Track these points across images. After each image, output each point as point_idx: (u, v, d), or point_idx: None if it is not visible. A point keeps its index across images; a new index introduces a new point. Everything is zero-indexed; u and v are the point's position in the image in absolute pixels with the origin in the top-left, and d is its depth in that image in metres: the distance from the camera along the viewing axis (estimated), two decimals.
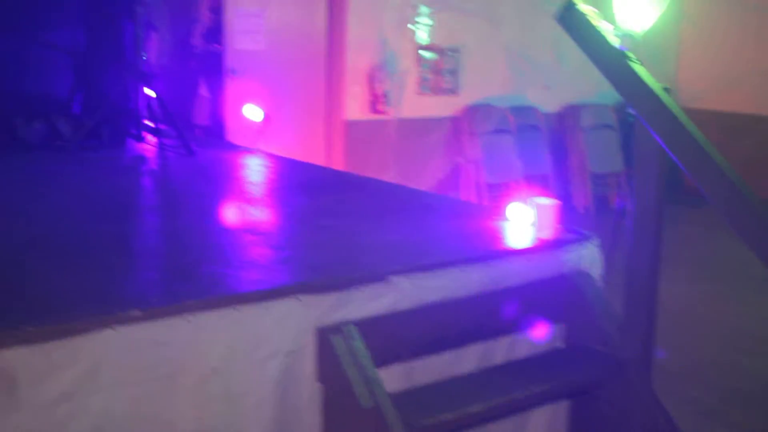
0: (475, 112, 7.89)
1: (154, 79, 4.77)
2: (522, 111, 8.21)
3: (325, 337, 2.33)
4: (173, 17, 6.39)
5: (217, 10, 6.70)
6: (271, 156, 4.91)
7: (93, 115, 4.82)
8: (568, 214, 3.06)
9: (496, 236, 2.99)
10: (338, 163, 7.39)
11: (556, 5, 2.58)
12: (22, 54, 4.94)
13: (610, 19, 2.56)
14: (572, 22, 2.52)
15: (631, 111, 2.45)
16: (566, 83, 8.40)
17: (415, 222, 3.23)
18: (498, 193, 7.67)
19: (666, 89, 2.38)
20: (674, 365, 3.85)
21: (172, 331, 2.12)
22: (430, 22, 7.70)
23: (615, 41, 2.44)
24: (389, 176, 7.04)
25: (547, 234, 2.93)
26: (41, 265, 2.50)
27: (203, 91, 6.87)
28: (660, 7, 2.45)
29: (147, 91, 4.74)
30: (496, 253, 2.80)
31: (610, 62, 2.43)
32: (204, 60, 6.72)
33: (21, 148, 4.77)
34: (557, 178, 8.47)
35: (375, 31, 7.42)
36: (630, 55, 2.39)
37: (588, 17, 2.44)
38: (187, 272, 2.45)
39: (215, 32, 6.72)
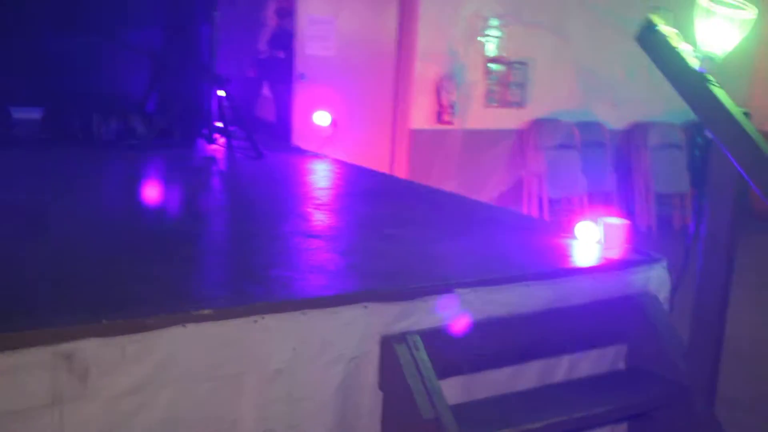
0: (540, 125, 7.84)
1: (227, 82, 4.84)
2: (588, 127, 8.14)
3: (389, 345, 2.34)
4: (240, 22, 6.47)
5: (284, 15, 6.77)
6: (337, 161, 4.95)
7: (166, 115, 4.92)
8: (635, 234, 3.02)
9: (562, 253, 2.97)
10: (402, 171, 7.41)
11: (627, 21, 2.55)
12: (101, 53, 5.06)
13: (690, 39, 2.52)
14: (652, 42, 2.50)
15: (708, 134, 2.41)
16: (634, 100, 8.30)
17: (480, 234, 3.22)
18: (560, 209, 7.62)
19: (746, 114, 2.34)
20: (738, 395, 3.76)
21: (240, 332, 2.15)
22: (500, 35, 7.68)
23: (695, 63, 2.41)
24: (451, 186, 7.02)
25: (615, 254, 2.90)
26: (118, 260, 2.55)
27: (267, 94, 6.95)
28: (743, 30, 2.41)
29: (219, 93, 4.82)
30: (563, 270, 2.78)
31: (689, 84, 2.40)
32: (269, 65, 6.78)
33: (97, 144, 4.89)
34: (621, 196, 8.37)
35: (444, 41, 7.43)
36: (710, 77, 2.35)
37: (668, 38, 2.41)
38: (257, 275, 2.48)
39: (281, 38, 6.80)
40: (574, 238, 3.11)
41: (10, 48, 4.87)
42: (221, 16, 4.81)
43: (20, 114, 5.59)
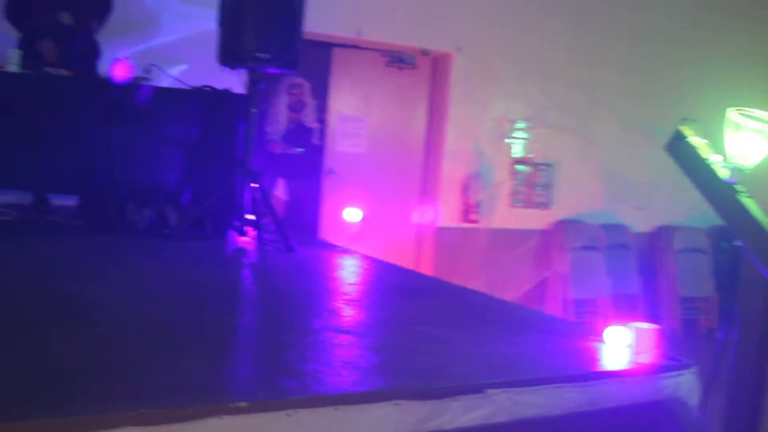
0: (566, 226, 7.90)
1: (260, 176, 4.95)
2: (613, 229, 8.19)
3: None
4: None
5: (299, 110, 6.86)
6: (366, 257, 5.00)
7: (199, 206, 5.02)
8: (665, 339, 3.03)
9: (592, 356, 2.98)
10: (427, 268, 7.47)
11: (653, 127, 2.63)
12: (139, 145, 5.21)
13: (719, 150, 2.59)
14: (681, 152, 2.56)
15: (738, 243, 2.45)
16: (659, 204, 8.37)
17: (510, 335, 3.24)
18: (584, 310, 7.61)
19: None
20: None
21: (274, 425, 2.17)
22: (526, 137, 7.82)
23: (724, 173, 2.47)
24: (477, 284, 7.05)
25: (645, 358, 2.90)
26: (153, 350, 2.59)
27: (280, 191, 6.97)
28: None
29: (252, 186, 4.92)
30: (593, 374, 2.78)
31: (719, 194, 2.45)
32: (284, 160, 6.85)
33: (130, 232, 4.99)
34: (645, 299, 8.35)
35: (472, 142, 7.59)
36: (740, 188, 2.41)
37: (698, 149, 2.48)
38: (290, 369, 2.51)
39: (299, 133, 6.89)
40: (603, 341, 3.12)
41: (50, 136, 5.02)
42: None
43: (57, 201, 5.74)
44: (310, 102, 6.91)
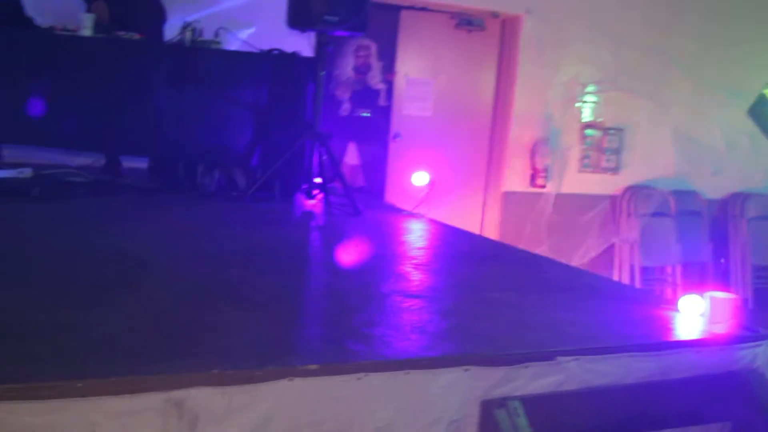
0: (635, 192, 7.75)
1: (328, 139, 4.95)
2: (684, 195, 8.01)
3: (490, 410, 2.33)
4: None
5: (364, 72, 6.79)
6: (433, 221, 4.99)
7: (267, 169, 5.04)
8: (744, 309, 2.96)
9: (665, 325, 2.92)
10: (493, 233, 7.42)
11: (729, 90, 2.53)
12: (209, 109, 5.24)
13: None
14: (764, 116, 2.47)
15: None
16: (733, 170, 8.13)
17: (581, 302, 3.19)
18: (653, 277, 7.48)
19: None
20: None
21: (344, 388, 2.18)
22: (596, 100, 7.67)
23: None
24: (542, 250, 7.00)
25: (721, 329, 2.84)
26: (225, 311, 2.62)
27: (351, 155, 6.91)
28: None
29: (320, 149, 4.93)
30: (666, 343, 2.73)
31: None
32: (353, 123, 6.80)
33: (199, 195, 5.05)
34: (716, 267, 8.17)
35: (541, 106, 7.46)
36: None
37: None
38: (360, 333, 2.51)
39: (365, 96, 6.83)
40: (677, 310, 3.06)
41: (122, 100, 5.09)
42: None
43: (129, 163, 5.85)
44: (375, 64, 6.84)
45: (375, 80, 6.85)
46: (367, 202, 5.39)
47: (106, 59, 5.03)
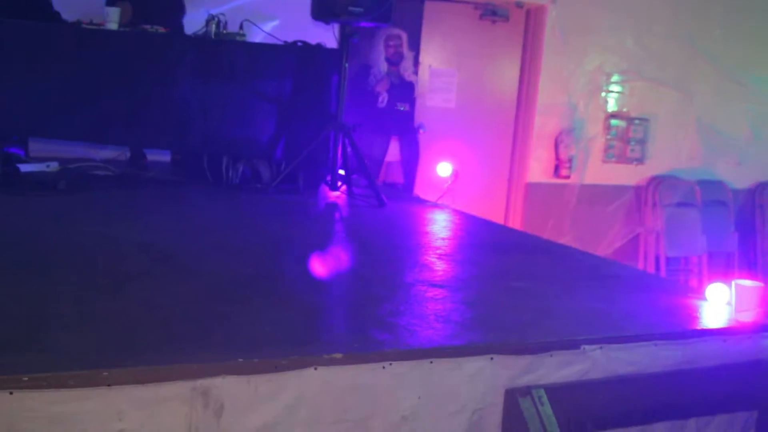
0: (660, 182, 7.69)
1: (352, 130, 4.94)
2: (709, 185, 7.94)
3: (514, 398, 2.33)
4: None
5: (395, 63, 6.54)
6: (457, 212, 4.97)
7: (291, 161, 5.05)
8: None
9: (691, 314, 2.89)
10: (516, 223, 7.40)
11: (754, 78, 2.50)
12: (234, 101, 5.25)
13: None
14: None
15: None
16: (760, 159, 8.05)
17: (605, 291, 3.17)
18: (678, 267, 7.42)
19: None
20: None
21: (369, 377, 2.18)
22: (621, 90, 7.62)
23: None
24: (566, 240, 6.96)
25: (748, 317, 2.80)
26: (249, 301, 2.63)
27: (394, 152, 6.70)
28: None
29: (343, 141, 4.92)
30: (692, 331, 2.70)
31: None
32: (392, 116, 6.60)
33: (224, 187, 5.06)
34: (742, 257, 8.10)
35: (565, 96, 7.42)
36: None
37: None
38: (384, 322, 2.50)
39: (403, 89, 6.60)
40: (703, 299, 3.03)
41: (147, 93, 5.10)
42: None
43: (154, 156, 5.88)
44: (407, 54, 6.61)
45: (408, 72, 6.62)
46: (393, 194, 5.39)
47: (131, 53, 5.05)
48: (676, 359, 2.63)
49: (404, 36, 6.57)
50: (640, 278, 3.78)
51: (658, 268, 7.55)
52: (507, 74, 7.54)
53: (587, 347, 2.47)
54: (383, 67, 6.53)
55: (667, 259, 7.61)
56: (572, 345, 2.45)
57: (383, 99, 6.50)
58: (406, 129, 6.67)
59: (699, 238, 7.71)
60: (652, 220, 7.67)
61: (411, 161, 6.67)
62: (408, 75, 6.64)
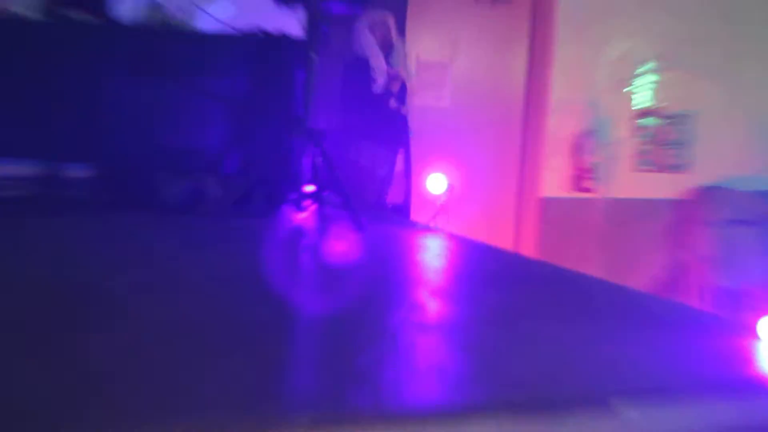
0: (708, 195, 7.74)
1: (324, 138, 4.92)
2: None
3: None
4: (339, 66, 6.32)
5: (385, 53, 6.49)
6: (453, 237, 4.96)
7: (247, 177, 5.02)
8: None
9: (749, 361, 2.87)
10: (529, 248, 7.41)
11: None
12: (172, 101, 5.23)
13: None
14: None
15: None
16: None
17: (640, 334, 3.15)
18: (734, 302, 7.43)
19: None
20: None
21: None
22: (654, 83, 7.66)
23: None
24: (591, 268, 6.95)
25: None
26: (193, 352, 2.58)
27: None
28: None
29: (313, 151, 4.90)
30: (753, 385, 2.67)
31: None
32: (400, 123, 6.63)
33: (161, 210, 5.02)
34: None
35: (584, 91, 7.46)
36: None
37: None
38: (363, 376, 2.46)
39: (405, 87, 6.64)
40: (761, 339, 3.01)
41: (65, 96, 5.07)
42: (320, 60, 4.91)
43: (73, 172, 5.82)
44: (397, 42, 6.54)
45: (401, 65, 6.54)
46: (382, 217, 5.39)
47: (45, 46, 5.02)
48: (734, 421, 2.60)
49: (391, 19, 6.52)
50: (687, 315, 3.76)
51: (707, 301, 7.57)
52: (512, 66, 7.58)
53: (617, 405, 2.43)
54: (381, 58, 6.48)
55: (720, 289, 7.63)
56: (599, 403, 2.41)
57: (394, 101, 6.48)
58: (406, 137, 6.67)
59: (759, 264, 7.74)
60: (700, 242, 7.70)
61: (408, 176, 6.66)
62: (401, 69, 6.58)
